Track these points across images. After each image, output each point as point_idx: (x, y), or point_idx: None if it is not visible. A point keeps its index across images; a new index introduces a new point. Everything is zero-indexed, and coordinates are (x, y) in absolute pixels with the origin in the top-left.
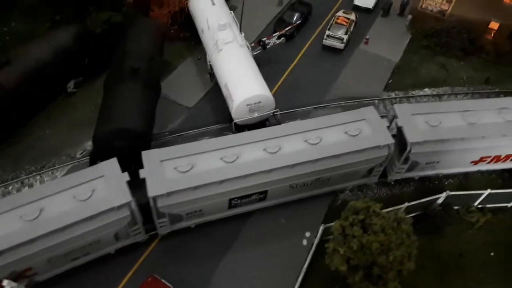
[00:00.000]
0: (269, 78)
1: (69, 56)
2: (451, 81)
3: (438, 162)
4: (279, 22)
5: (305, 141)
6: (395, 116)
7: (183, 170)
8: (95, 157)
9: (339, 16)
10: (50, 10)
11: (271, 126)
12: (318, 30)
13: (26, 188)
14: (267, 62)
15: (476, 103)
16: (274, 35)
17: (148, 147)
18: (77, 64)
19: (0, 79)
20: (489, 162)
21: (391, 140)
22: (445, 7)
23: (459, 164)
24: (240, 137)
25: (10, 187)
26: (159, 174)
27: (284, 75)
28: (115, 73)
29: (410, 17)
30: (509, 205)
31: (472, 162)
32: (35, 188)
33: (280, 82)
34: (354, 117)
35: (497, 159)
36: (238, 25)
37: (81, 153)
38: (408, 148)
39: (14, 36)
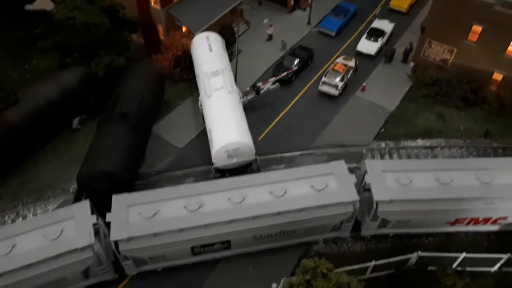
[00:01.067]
0: (261, 121)
1: (74, 95)
2: (447, 133)
3: (409, 221)
4: (278, 67)
5: (270, 192)
6: (366, 172)
7: (147, 216)
8: (80, 195)
9: (336, 62)
10: (61, 52)
11: (253, 171)
12: (317, 75)
13: (20, 219)
14: (262, 105)
15: (452, 163)
16: (269, 80)
17: (130, 188)
18: (82, 103)
19: (8, 117)
20: (467, 224)
21: (356, 197)
22: (447, 56)
23: (433, 224)
24: (207, 185)
25: (6, 217)
26: (123, 218)
27: (277, 119)
28: (106, 116)
29: (412, 64)
30: (492, 269)
31: (447, 223)
32: (12, 224)
33: (271, 126)
34: (322, 171)
35: (475, 221)
36: (233, 71)
37: (73, 188)
38: (374, 206)
39: (35, 73)
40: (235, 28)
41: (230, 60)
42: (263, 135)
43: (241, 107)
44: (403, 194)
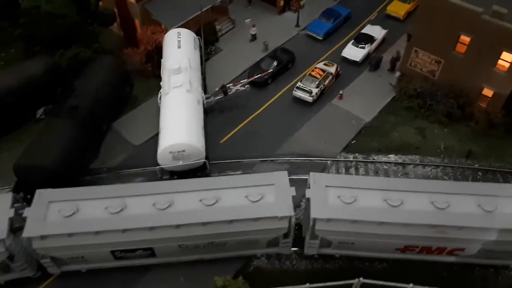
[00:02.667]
0: (227, 124)
1: (37, 86)
2: (425, 150)
3: (353, 243)
4: (255, 68)
5: (200, 200)
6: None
7: (65, 215)
8: (18, 187)
9: (315, 67)
10: (27, 42)
11: (202, 175)
12: (296, 80)
13: None
14: (232, 107)
15: (407, 183)
16: (241, 81)
17: (73, 184)
18: (47, 94)
19: None
20: (419, 253)
21: (291, 212)
22: (434, 67)
23: (381, 249)
24: (133, 188)
25: None
26: (41, 215)
27: (244, 123)
28: (55, 109)
29: (398, 74)
30: None
31: (397, 249)
32: None
33: (236, 129)
34: (262, 181)
35: (428, 250)
36: (200, 71)
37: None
38: (311, 224)
39: (12, 61)
40: (218, 27)
41: (208, 59)
42: (225, 138)
43: (199, 108)
44: (344, 214)
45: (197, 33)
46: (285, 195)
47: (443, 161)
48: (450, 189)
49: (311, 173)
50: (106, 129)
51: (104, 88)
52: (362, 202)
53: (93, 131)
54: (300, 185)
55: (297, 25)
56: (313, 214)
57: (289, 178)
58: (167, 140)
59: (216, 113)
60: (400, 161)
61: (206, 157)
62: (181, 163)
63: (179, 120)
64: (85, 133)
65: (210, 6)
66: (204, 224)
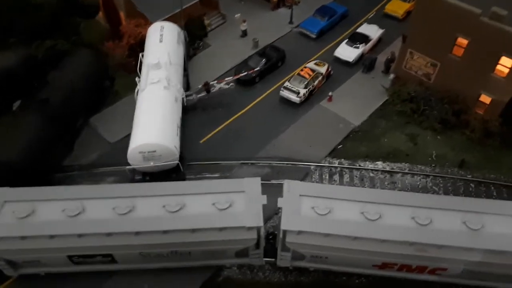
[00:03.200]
0: (209, 123)
1: (11, 78)
2: (415, 157)
3: (326, 257)
4: (242, 65)
5: (163, 206)
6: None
7: (19, 216)
8: None
9: (305, 67)
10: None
11: (177, 178)
12: (285, 79)
13: None
14: (215, 105)
15: (388, 195)
16: (226, 79)
17: (42, 181)
18: (23, 86)
19: None
20: (399, 270)
21: (260, 223)
22: (430, 70)
23: (356, 265)
24: (94, 190)
25: None
26: None
27: (226, 122)
28: (24, 102)
29: (392, 76)
30: None
31: (375, 266)
32: None
33: (219, 128)
34: (232, 187)
35: (408, 268)
36: (183, 67)
37: None
38: (281, 235)
39: None
40: (207, 21)
41: (195, 54)
42: (206, 138)
43: (177, 106)
44: (316, 226)
45: (185, 27)
46: (256, 204)
47: (434, 171)
48: (434, 203)
49: (286, 181)
50: (82, 124)
51: (80, 81)
52: (338, 214)
53: (66, 126)
54: (279, 191)
55: (291, 22)
56: (284, 225)
57: (269, 183)
58: (137, 139)
59: (198, 111)
60: (388, 168)
61: (181, 158)
62: (152, 164)
63: (152, 118)
64: (56, 127)
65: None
66: (166, 232)
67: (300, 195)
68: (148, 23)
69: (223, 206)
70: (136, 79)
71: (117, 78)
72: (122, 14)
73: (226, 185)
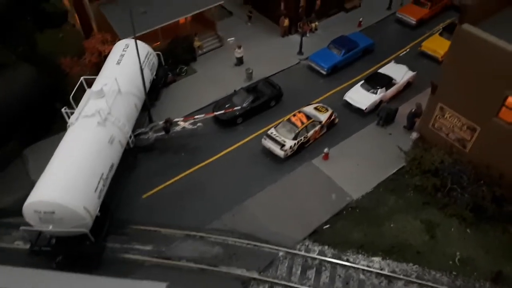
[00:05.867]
0: (164, 171)
1: None
2: (430, 258)
3: None
4: (224, 101)
5: None
6: None
7: None
8: None
9: (300, 111)
10: None
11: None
12: (276, 122)
13: None
14: (179, 148)
15: None
16: (196, 117)
17: None
18: None
19: None
20: None
21: None
22: (466, 135)
23: None
24: None
25: None
26: None
27: (185, 173)
28: None
29: (415, 135)
30: None
31: None
32: None
33: (172, 180)
34: None
35: None
36: (143, 98)
37: None
38: None
39: None
40: (198, 43)
41: (174, 81)
42: (151, 192)
43: (111, 149)
44: None
45: (169, 48)
46: None
47: (454, 283)
48: None
49: None
50: (11, 153)
51: (12, 103)
52: None
53: None
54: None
55: (300, 52)
56: None
57: (215, 271)
58: (34, 194)
59: (154, 155)
60: (387, 271)
61: (104, 219)
62: (50, 227)
63: (62, 166)
64: None
65: (189, 14)
66: None
67: None
68: (117, 39)
69: None
70: (62, 110)
71: (73, 102)
72: (94, 27)
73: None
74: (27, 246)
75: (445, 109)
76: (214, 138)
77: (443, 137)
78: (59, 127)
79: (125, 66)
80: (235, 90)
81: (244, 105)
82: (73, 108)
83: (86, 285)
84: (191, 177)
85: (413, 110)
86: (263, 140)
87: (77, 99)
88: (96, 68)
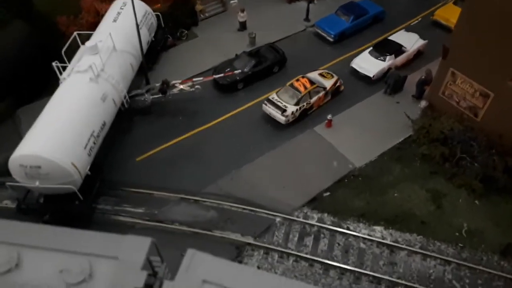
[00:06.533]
0: (160, 135)
1: None
2: (435, 229)
3: None
4: (224, 65)
5: None
6: None
7: None
8: None
9: (302, 76)
10: None
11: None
12: (279, 89)
13: None
14: (177, 112)
15: None
16: (194, 80)
17: None
18: None
19: None
20: None
21: None
22: (478, 102)
23: None
24: None
25: None
26: None
27: (183, 136)
28: None
29: (424, 104)
30: None
31: None
32: None
33: (169, 143)
34: (101, 247)
35: None
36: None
37: None
38: None
39: None
40: (200, 7)
41: (174, 45)
42: (146, 155)
43: (103, 107)
44: None
45: (170, 11)
46: (128, 283)
47: (460, 255)
48: None
49: (189, 251)
50: (1, 116)
51: (3, 61)
52: None
53: None
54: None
55: (306, 19)
56: None
57: (209, 234)
58: (20, 147)
59: (151, 118)
60: (389, 240)
61: (94, 180)
62: (37, 183)
63: (51, 120)
64: None
65: None
66: None
67: (204, 281)
68: None
69: (74, 279)
70: (53, 63)
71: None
72: None
73: (93, 242)
74: (15, 205)
75: (456, 74)
76: (214, 103)
77: (454, 105)
78: (54, 88)
79: (121, 24)
80: (236, 54)
81: (246, 69)
82: (65, 64)
83: (68, 237)
84: (188, 142)
85: (423, 77)
86: (263, 105)
87: (71, 56)
88: (94, 28)
